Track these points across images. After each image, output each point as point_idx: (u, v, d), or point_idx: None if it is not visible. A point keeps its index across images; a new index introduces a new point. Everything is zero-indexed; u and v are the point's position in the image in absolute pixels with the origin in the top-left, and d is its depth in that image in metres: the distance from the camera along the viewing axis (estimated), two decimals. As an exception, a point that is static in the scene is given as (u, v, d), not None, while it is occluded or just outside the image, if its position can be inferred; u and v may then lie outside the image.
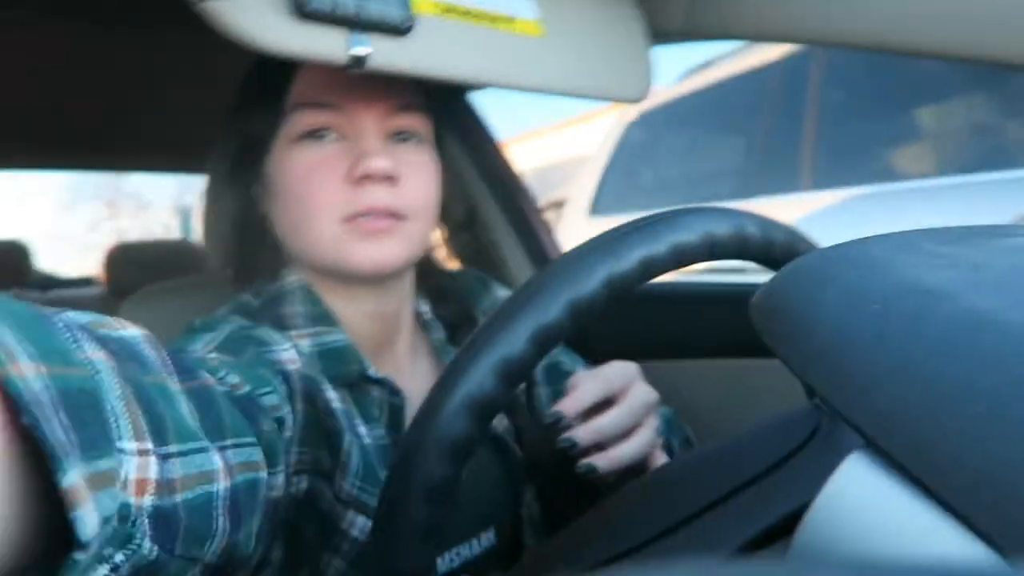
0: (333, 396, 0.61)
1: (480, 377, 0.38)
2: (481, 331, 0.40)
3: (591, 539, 0.41)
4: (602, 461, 0.55)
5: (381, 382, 0.65)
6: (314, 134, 0.62)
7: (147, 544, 0.29)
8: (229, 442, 0.38)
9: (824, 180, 2.31)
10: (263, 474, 0.41)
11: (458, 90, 1.33)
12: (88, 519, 0.24)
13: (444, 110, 0.71)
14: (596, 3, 0.77)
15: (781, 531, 0.33)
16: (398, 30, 0.57)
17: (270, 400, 0.49)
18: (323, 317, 0.64)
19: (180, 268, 2.12)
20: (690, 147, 3.36)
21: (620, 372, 0.59)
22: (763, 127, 2.66)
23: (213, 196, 0.71)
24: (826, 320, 0.28)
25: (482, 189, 1.32)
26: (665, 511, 0.39)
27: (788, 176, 2.45)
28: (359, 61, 0.55)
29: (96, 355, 0.29)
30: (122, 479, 0.27)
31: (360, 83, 0.62)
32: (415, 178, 0.64)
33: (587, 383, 0.57)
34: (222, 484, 0.35)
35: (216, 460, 0.35)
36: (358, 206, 0.60)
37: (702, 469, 0.43)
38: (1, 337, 0.24)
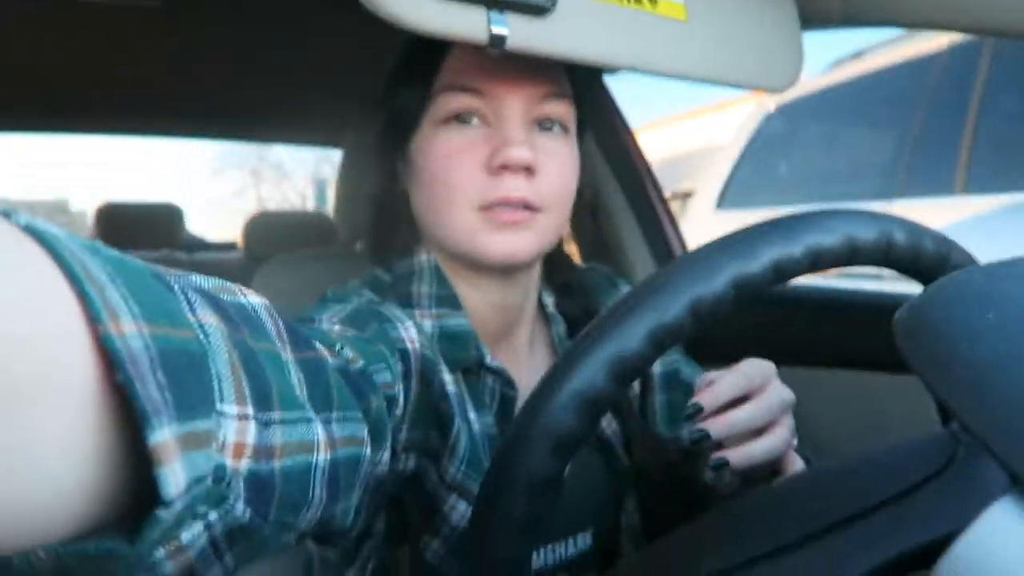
0: (448, 379, 0.61)
1: (591, 373, 0.37)
2: (596, 325, 0.39)
3: (696, 550, 0.40)
4: (735, 456, 0.54)
5: (497, 371, 0.65)
6: (459, 118, 0.62)
7: (240, 506, 0.29)
8: (335, 415, 0.38)
9: (981, 184, 2.13)
10: (367, 450, 0.42)
11: (597, 75, 1.31)
12: (174, 477, 0.25)
13: (588, 99, 0.70)
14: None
15: (909, 563, 0.31)
16: (540, 9, 0.56)
17: (383, 377, 0.49)
18: (449, 299, 0.65)
19: (315, 238, 2.22)
20: (831, 142, 3.18)
21: (758, 369, 0.57)
22: (916, 123, 2.47)
23: (354, 170, 0.72)
24: (981, 345, 0.25)
25: (609, 177, 1.30)
26: (781, 528, 0.37)
27: (941, 178, 2.28)
28: (499, 40, 0.55)
29: (208, 319, 0.30)
30: (220, 441, 0.28)
31: (507, 69, 0.62)
32: (553, 169, 0.63)
33: (726, 377, 0.55)
34: (323, 456, 0.35)
35: (318, 431, 0.35)
36: (495, 195, 0.60)
37: (824, 487, 0.41)
38: (109, 295, 0.25)
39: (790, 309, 1.17)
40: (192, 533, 0.27)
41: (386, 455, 0.47)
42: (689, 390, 0.73)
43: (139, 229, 2.54)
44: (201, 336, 0.29)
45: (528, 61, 0.60)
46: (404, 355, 0.56)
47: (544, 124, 0.64)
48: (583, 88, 0.69)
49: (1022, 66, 2.18)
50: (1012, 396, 0.24)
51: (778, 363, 1.14)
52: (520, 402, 0.66)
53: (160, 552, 0.26)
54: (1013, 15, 0.66)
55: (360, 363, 0.47)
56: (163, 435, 0.24)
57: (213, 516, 0.28)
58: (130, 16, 1.17)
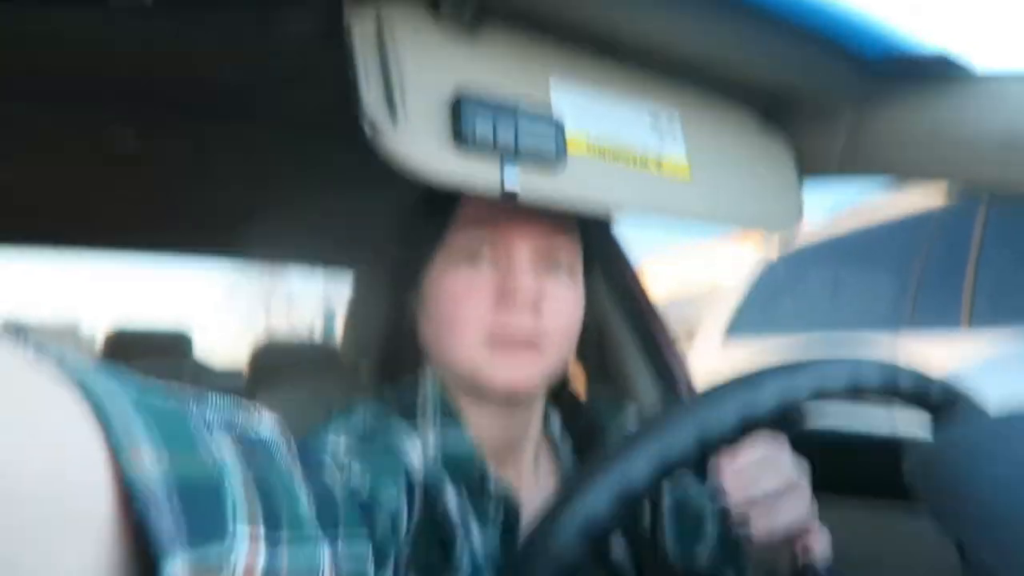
0: (452, 499, 0.62)
1: (596, 499, 0.37)
2: (603, 455, 0.39)
3: None
4: (759, 519, 0.58)
5: (502, 495, 0.66)
6: (470, 256, 0.65)
7: None
8: (341, 532, 0.39)
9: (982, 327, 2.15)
10: (370, 568, 0.42)
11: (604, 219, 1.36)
12: None
13: (594, 241, 0.74)
14: (747, 138, 0.78)
15: None
16: (551, 165, 0.60)
17: (389, 493, 0.50)
18: (453, 418, 0.66)
19: (322, 370, 2.20)
20: (834, 291, 3.22)
21: (769, 442, 0.62)
22: (917, 275, 2.52)
23: (365, 299, 0.76)
24: (993, 492, 0.25)
25: (615, 309, 1.32)
26: None
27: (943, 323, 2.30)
28: (511, 195, 0.58)
29: (224, 442, 0.31)
30: (232, 565, 0.28)
31: (517, 213, 0.65)
32: (558, 307, 0.65)
33: (743, 453, 0.60)
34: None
35: (324, 552, 0.36)
36: (502, 331, 0.63)
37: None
38: (131, 424, 0.26)
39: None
40: None
41: (389, 573, 0.48)
42: (699, 517, 0.75)
43: (147, 356, 2.54)
44: (218, 460, 0.30)
45: (535, 211, 0.64)
46: (409, 473, 0.57)
47: (551, 266, 0.66)
48: (590, 232, 0.72)
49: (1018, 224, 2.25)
50: (1020, 535, 0.23)
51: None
52: (523, 521, 0.66)
53: None
54: (1004, 172, 0.69)
55: (368, 481, 0.48)
56: (175, 565, 0.25)
57: None
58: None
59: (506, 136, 0.57)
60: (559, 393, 0.78)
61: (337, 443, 0.55)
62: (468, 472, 0.64)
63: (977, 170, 0.71)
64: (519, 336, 0.62)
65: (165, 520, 0.25)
